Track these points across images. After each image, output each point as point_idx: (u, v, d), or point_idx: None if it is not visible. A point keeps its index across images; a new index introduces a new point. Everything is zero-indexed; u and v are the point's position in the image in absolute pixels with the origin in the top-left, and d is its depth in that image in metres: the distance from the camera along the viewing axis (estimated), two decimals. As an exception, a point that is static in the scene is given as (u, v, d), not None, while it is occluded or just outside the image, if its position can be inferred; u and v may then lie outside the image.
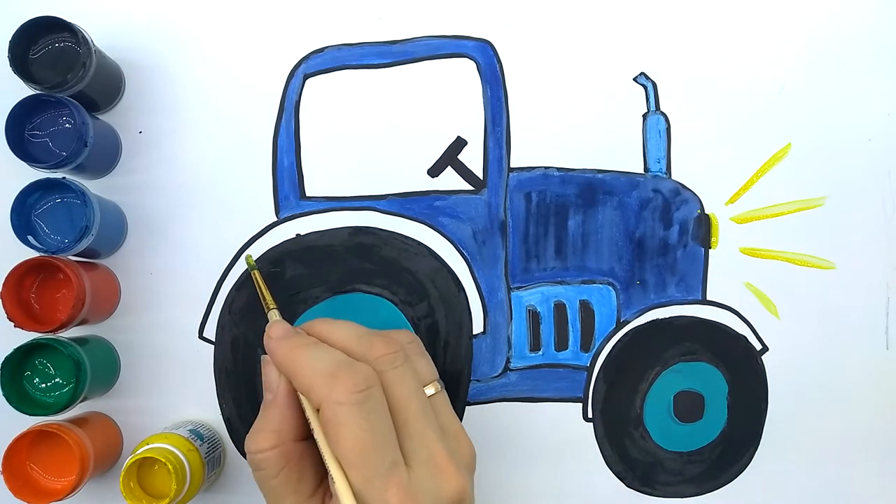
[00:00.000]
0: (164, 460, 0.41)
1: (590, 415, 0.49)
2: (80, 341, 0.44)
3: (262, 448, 0.37)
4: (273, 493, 0.36)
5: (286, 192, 0.47)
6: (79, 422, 0.44)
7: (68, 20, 0.42)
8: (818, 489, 0.49)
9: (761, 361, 0.49)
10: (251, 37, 0.47)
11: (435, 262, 0.48)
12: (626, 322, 0.49)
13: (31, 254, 0.41)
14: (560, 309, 0.48)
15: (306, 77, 0.48)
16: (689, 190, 0.49)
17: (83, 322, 0.44)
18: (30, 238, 0.41)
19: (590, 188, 0.48)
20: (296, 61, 0.48)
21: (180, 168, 0.47)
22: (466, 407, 0.48)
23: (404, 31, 0.48)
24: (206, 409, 0.47)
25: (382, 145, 0.48)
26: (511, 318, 0.48)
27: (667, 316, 0.49)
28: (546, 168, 0.48)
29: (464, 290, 0.48)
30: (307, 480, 0.37)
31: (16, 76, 0.41)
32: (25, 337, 0.42)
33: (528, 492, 0.48)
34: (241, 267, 0.47)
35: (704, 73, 0.49)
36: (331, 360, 0.36)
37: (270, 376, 0.38)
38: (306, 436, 0.38)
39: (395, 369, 0.37)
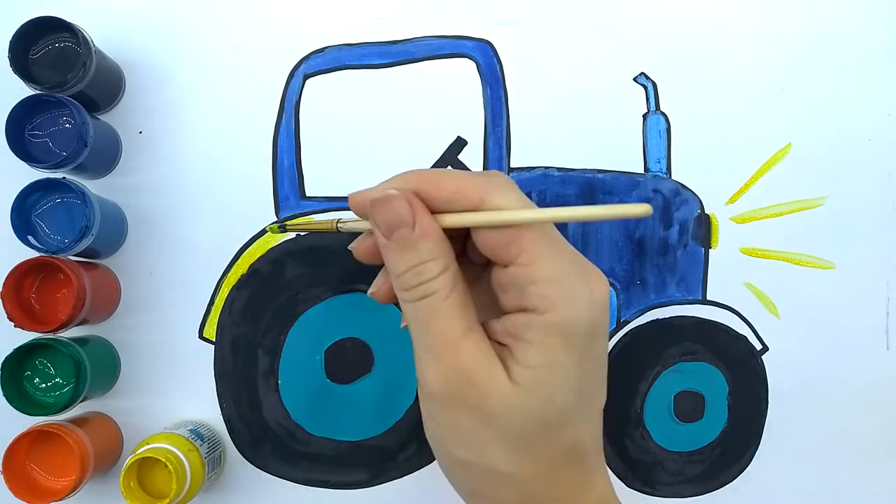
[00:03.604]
0: (164, 460, 0.41)
1: (590, 415, 0.48)
2: (80, 341, 0.44)
3: (435, 274, 0.32)
4: (446, 313, 0.32)
5: (286, 192, 0.47)
6: (79, 422, 0.44)
7: (68, 20, 0.42)
8: (818, 489, 0.49)
9: (761, 361, 0.49)
10: (251, 37, 0.47)
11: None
12: (627, 322, 0.49)
13: (31, 254, 0.41)
14: (560, 309, 0.48)
15: (306, 77, 0.48)
16: (689, 190, 0.49)
17: (83, 322, 0.44)
18: (30, 238, 0.41)
19: (590, 188, 0.48)
20: (296, 61, 0.48)
21: (180, 168, 0.47)
22: (466, 407, 0.48)
23: (404, 32, 0.48)
24: (206, 409, 0.47)
25: (382, 145, 0.48)
26: (511, 318, 0.48)
27: (667, 316, 0.49)
28: (546, 168, 0.48)
29: (464, 290, 0.48)
30: (472, 305, 0.33)
31: (16, 76, 0.41)
32: (25, 337, 0.42)
33: (529, 492, 0.48)
34: (240, 267, 0.47)
35: (704, 73, 0.49)
36: (465, 174, 0.34)
37: (401, 210, 0.32)
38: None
39: None
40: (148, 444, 0.43)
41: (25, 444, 0.42)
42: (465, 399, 0.32)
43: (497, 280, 0.33)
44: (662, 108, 0.49)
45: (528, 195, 0.48)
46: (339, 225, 0.36)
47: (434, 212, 0.33)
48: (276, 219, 0.47)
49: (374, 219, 0.33)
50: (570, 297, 0.32)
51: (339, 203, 0.47)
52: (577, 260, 0.33)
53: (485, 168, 0.48)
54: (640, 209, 0.30)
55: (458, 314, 0.32)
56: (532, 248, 0.32)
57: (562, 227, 0.48)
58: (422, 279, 0.32)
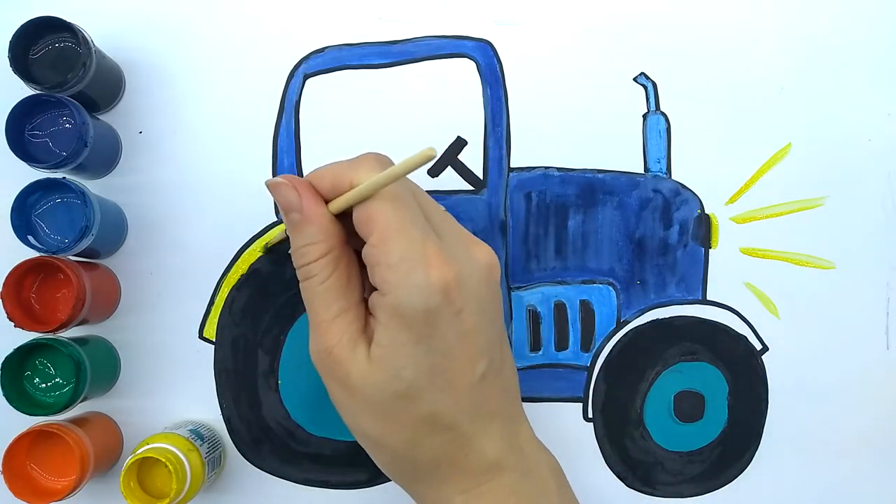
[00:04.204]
0: (164, 460, 0.41)
1: (590, 415, 0.49)
2: (80, 341, 0.44)
3: (314, 258, 0.37)
4: (321, 297, 0.37)
5: (286, 192, 0.47)
6: (79, 422, 0.44)
7: (68, 20, 0.42)
8: (818, 489, 0.49)
9: (761, 361, 0.49)
10: (251, 37, 0.47)
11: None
12: (627, 322, 0.49)
13: (31, 254, 0.41)
14: (560, 309, 0.48)
15: (306, 77, 0.48)
16: (689, 190, 0.49)
17: (83, 322, 0.44)
18: (30, 238, 0.41)
19: (590, 188, 0.48)
20: (296, 61, 0.48)
21: (180, 168, 0.47)
22: (466, 407, 0.48)
23: (404, 32, 0.48)
24: (206, 409, 0.47)
25: (382, 145, 0.47)
26: (511, 318, 0.48)
27: (667, 316, 0.49)
28: (546, 168, 0.48)
29: (464, 290, 0.48)
30: (354, 287, 0.37)
31: (16, 76, 0.41)
32: (25, 337, 0.42)
33: (529, 492, 0.48)
34: (240, 267, 0.47)
35: (704, 73, 0.49)
36: (344, 160, 0.38)
37: (288, 195, 0.37)
38: (346, 239, 0.38)
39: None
40: (148, 444, 0.43)
41: (25, 444, 0.42)
42: (333, 373, 0.36)
43: (363, 255, 0.36)
44: (662, 108, 0.49)
45: (528, 195, 0.48)
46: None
47: (327, 201, 0.37)
48: (275, 219, 0.47)
49: (275, 200, 0.38)
50: (403, 282, 0.34)
51: (339, 203, 0.47)
52: (425, 241, 0.35)
53: (485, 168, 0.48)
54: (425, 153, 0.33)
55: (332, 297, 0.36)
56: (381, 227, 0.35)
57: (562, 226, 0.48)
58: (305, 260, 0.37)
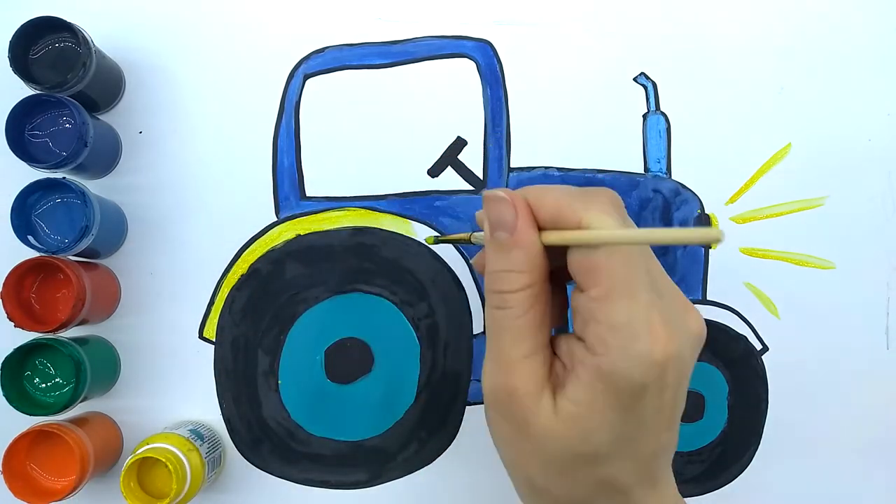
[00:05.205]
0: (164, 460, 0.41)
1: (590, 415, 0.48)
2: (80, 341, 0.44)
3: (515, 288, 0.33)
4: (513, 333, 0.33)
5: (286, 192, 0.47)
6: (79, 422, 0.44)
7: (68, 20, 0.42)
8: (818, 489, 0.49)
9: (761, 361, 0.49)
10: (251, 37, 0.48)
11: (435, 263, 0.48)
12: (627, 322, 0.48)
13: (31, 254, 0.41)
14: (560, 309, 0.48)
15: (306, 77, 0.48)
16: (689, 190, 0.49)
17: (83, 322, 0.44)
18: (30, 238, 0.42)
19: (590, 188, 0.48)
20: (296, 61, 0.48)
21: (180, 168, 0.47)
22: (467, 407, 0.48)
23: (404, 32, 0.48)
24: (206, 409, 0.47)
25: (382, 145, 0.48)
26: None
27: (667, 316, 0.49)
28: (546, 168, 0.48)
29: (464, 290, 0.48)
30: (546, 328, 0.34)
31: (16, 76, 0.41)
32: (25, 337, 0.42)
33: (528, 492, 0.48)
34: (240, 267, 0.47)
35: (704, 73, 0.49)
36: (571, 188, 0.34)
37: (504, 212, 0.33)
38: (548, 276, 0.34)
39: None
40: (148, 444, 0.43)
41: (25, 444, 0.42)
42: (512, 414, 0.33)
43: (573, 300, 0.33)
44: (662, 108, 0.49)
45: (529, 195, 0.48)
46: (472, 237, 0.39)
47: (541, 228, 0.33)
48: (275, 219, 0.47)
49: (486, 213, 0.34)
50: (624, 349, 0.31)
51: (339, 203, 0.47)
52: (651, 307, 0.32)
53: (485, 167, 0.48)
54: (711, 235, 0.28)
55: (525, 335, 0.33)
56: (608, 282, 0.31)
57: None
58: (503, 287, 0.33)
